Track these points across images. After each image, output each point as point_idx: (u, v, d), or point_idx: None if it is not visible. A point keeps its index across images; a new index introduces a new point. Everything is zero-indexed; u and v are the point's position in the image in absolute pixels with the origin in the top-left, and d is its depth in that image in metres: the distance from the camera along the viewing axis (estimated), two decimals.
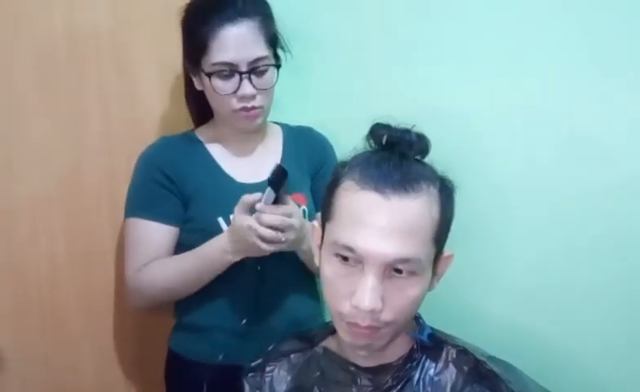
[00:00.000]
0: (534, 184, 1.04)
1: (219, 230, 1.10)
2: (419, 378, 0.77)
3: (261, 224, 0.99)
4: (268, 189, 1.00)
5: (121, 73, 1.24)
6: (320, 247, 0.80)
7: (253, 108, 1.11)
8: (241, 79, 1.09)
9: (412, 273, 0.72)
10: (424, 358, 0.79)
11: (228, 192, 1.12)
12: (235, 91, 1.09)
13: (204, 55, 1.09)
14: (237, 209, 1.03)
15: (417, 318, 0.83)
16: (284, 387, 0.85)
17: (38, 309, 1.15)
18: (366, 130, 0.79)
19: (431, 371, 0.78)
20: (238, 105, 1.10)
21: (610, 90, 0.95)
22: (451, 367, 0.77)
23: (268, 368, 0.87)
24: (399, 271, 0.71)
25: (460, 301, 1.11)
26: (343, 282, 0.73)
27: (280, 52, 1.17)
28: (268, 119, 1.23)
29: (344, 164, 0.78)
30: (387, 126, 0.77)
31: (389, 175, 0.72)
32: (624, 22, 0.93)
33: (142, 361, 1.31)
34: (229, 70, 1.08)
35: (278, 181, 0.99)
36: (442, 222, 0.75)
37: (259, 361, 0.89)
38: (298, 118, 1.30)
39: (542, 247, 1.04)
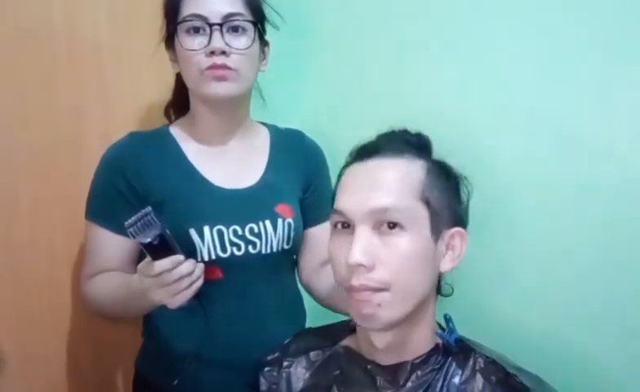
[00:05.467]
0: (536, 184, 1.05)
1: (189, 243, 1.00)
2: (442, 385, 0.77)
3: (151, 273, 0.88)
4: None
5: (121, 74, 1.25)
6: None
7: (224, 66, 1.00)
8: (211, 32, 0.99)
9: (400, 228, 0.76)
10: (449, 362, 0.78)
11: (205, 197, 1.04)
12: (204, 47, 0.99)
13: (177, 17, 1.01)
14: None
15: (447, 321, 0.83)
16: (301, 384, 0.85)
17: (38, 309, 1.14)
18: (364, 130, 0.83)
19: (456, 379, 0.77)
20: (207, 63, 0.99)
21: (611, 90, 0.97)
22: (478, 376, 0.76)
23: (285, 364, 0.87)
24: (390, 227, 0.76)
25: (468, 299, 1.08)
26: (341, 250, 0.78)
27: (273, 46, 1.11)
28: (255, 119, 1.17)
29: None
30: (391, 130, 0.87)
31: (368, 148, 0.83)
32: (625, 21, 0.94)
33: None
34: (200, 24, 1.00)
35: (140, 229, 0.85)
36: (434, 188, 0.79)
37: (275, 354, 0.90)
38: (293, 118, 1.26)
39: (548, 246, 1.05)
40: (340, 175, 0.86)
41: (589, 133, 0.99)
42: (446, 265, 0.80)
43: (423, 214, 0.77)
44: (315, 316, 1.17)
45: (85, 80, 1.19)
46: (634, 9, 0.93)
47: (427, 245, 0.77)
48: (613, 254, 0.98)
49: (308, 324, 1.20)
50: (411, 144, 0.82)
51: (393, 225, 0.75)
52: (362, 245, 0.74)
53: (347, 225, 0.78)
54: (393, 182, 0.77)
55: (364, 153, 0.82)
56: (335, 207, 0.80)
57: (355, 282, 0.75)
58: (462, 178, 0.85)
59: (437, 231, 0.78)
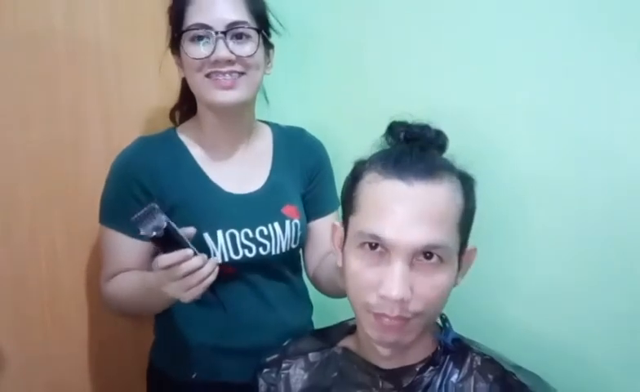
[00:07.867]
0: (537, 185, 1.05)
1: (203, 247, 1.02)
2: (441, 384, 0.76)
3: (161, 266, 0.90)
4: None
5: (121, 74, 1.24)
6: (343, 244, 0.80)
7: (229, 72, 1.00)
8: (216, 41, 0.99)
9: (440, 261, 0.72)
10: (447, 362, 0.78)
11: (217, 203, 1.06)
12: (209, 56, 0.99)
13: (182, 24, 1.02)
14: None
15: (444, 321, 0.82)
16: (300, 386, 0.85)
17: (38, 309, 1.14)
18: (367, 129, 0.79)
19: (453, 378, 0.76)
20: (211, 69, 1.00)
21: (612, 90, 0.96)
22: (475, 374, 0.76)
23: (284, 365, 0.87)
24: (427, 257, 0.71)
25: (471, 301, 1.08)
26: (369, 272, 0.73)
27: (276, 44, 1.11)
28: (258, 118, 1.17)
29: (362, 161, 0.79)
30: (405, 123, 0.79)
31: (412, 164, 0.73)
32: (625, 21, 0.94)
33: (143, 360, 1.31)
34: (204, 32, 1.00)
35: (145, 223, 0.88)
36: (465, 211, 0.75)
37: (274, 356, 0.89)
38: (297, 117, 1.26)
39: (550, 246, 1.05)
40: (359, 173, 0.77)
41: (591, 134, 0.99)
42: (458, 280, 0.79)
43: (457, 240, 0.74)
44: (320, 310, 1.21)
45: (85, 80, 1.19)
46: (634, 9, 0.93)
47: (455, 270, 0.76)
48: (615, 254, 0.98)
49: (314, 317, 1.23)
50: (439, 146, 0.78)
51: (430, 255, 0.72)
52: (404, 279, 0.69)
53: (376, 246, 0.72)
54: (440, 215, 0.71)
55: (405, 171, 0.72)
56: (372, 231, 0.72)
57: (390, 313, 0.71)
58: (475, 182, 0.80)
59: (462, 253, 0.77)
